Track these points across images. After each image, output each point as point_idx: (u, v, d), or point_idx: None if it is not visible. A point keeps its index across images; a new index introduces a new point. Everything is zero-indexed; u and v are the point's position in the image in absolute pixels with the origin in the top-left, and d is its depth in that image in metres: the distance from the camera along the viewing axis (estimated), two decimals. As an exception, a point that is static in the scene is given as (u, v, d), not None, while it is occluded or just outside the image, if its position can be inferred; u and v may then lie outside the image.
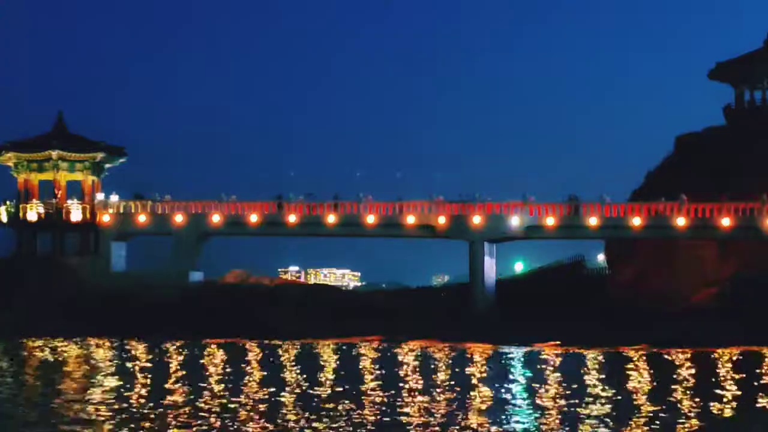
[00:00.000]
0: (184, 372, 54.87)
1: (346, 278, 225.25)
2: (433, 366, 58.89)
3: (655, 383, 50.64)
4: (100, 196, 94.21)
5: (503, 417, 38.38)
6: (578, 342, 73.58)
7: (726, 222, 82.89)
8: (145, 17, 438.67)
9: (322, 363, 60.63)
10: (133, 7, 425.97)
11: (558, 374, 54.34)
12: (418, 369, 57.12)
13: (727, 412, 39.65)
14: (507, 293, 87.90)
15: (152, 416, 38.21)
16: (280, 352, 68.08)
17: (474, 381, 50.87)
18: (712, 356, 65.65)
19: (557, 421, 37.44)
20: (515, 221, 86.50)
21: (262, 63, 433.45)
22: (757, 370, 56.44)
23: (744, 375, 54.12)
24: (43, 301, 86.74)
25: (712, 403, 41.86)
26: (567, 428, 36.10)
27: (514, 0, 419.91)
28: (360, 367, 57.86)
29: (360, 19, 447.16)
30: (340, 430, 35.61)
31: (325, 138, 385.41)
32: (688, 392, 46.18)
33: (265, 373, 54.58)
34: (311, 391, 45.73)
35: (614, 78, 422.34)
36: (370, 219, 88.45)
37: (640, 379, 52.23)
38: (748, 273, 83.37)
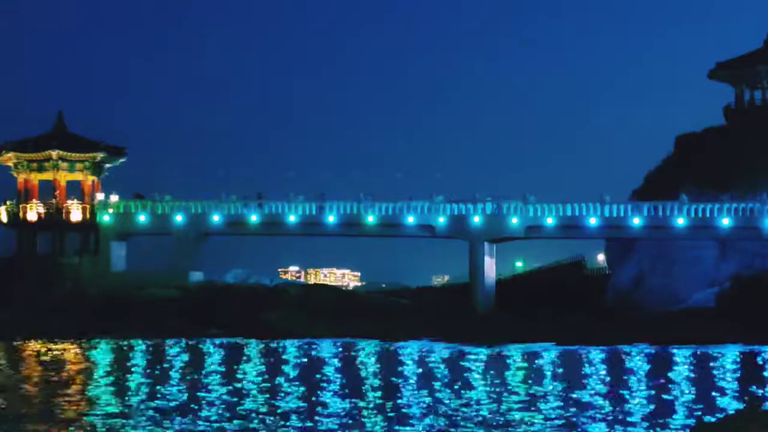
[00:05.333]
0: (184, 371, 54.89)
1: (346, 278, 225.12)
2: (432, 366, 58.88)
3: (654, 383, 50.64)
4: (100, 196, 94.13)
5: (503, 417, 38.37)
6: (578, 342, 73.56)
7: (726, 222, 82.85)
8: (145, 17, 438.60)
9: (322, 363, 60.66)
10: (133, 7, 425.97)
11: (558, 374, 54.34)
12: (417, 369, 57.12)
13: (727, 412, 39.64)
14: (507, 293, 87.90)
15: (152, 416, 38.19)
16: (280, 352, 68.10)
17: (473, 380, 50.87)
18: (712, 356, 65.65)
19: (556, 421, 37.44)
20: (515, 221, 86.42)
21: (263, 62, 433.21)
22: (757, 370, 56.44)
23: (744, 375, 54.13)
24: (43, 301, 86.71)
25: (711, 403, 41.89)
26: (566, 428, 36.10)
27: (513, 0, 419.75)
28: (360, 367, 57.87)
29: (360, 17, 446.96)
30: (341, 430, 35.64)
31: (325, 138, 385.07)
32: (687, 392, 46.20)
33: (265, 372, 54.58)
34: (310, 392, 45.72)
35: (614, 78, 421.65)
36: (370, 219, 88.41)
37: (639, 379, 52.23)
38: (748, 273, 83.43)
